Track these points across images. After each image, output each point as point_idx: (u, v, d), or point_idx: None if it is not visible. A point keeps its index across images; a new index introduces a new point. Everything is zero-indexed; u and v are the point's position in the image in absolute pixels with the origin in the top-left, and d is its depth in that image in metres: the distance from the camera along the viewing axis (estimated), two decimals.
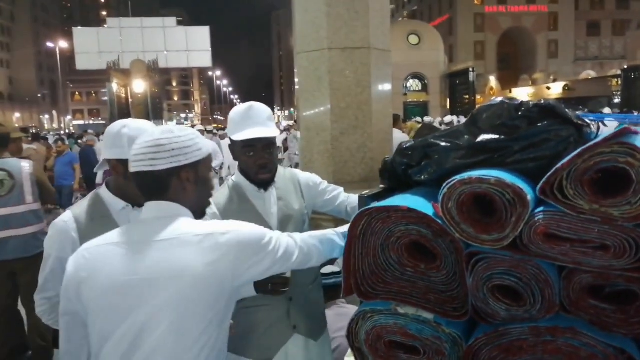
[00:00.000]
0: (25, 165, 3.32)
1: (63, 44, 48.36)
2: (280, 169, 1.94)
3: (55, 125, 65.25)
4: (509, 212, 1.14)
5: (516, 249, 1.15)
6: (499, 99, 1.30)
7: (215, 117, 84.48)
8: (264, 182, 1.82)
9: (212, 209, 1.75)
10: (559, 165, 1.10)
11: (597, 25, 46.84)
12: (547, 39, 45.53)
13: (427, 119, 12.91)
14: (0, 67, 64.02)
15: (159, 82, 25.23)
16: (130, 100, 22.29)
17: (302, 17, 3.76)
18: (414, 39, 19.91)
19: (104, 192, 1.71)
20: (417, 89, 20.93)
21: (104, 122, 56.35)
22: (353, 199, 1.95)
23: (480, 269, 1.17)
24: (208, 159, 1.33)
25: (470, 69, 18.24)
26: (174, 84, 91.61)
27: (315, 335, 1.93)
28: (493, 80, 36.60)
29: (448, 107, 19.71)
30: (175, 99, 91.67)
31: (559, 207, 1.11)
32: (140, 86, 22.47)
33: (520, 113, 1.24)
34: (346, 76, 3.65)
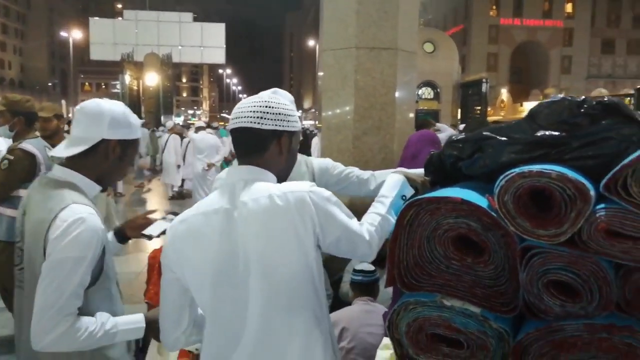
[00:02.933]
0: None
1: (77, 34, 48.55)
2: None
3: (63, 115, 65.45)
4: (568, 208, 1.13)
5: (573, 245, 1.13)
6: (560, 95, 1.28)
7: (222, 114, 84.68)
8: None
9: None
10: (626, 161, 1.09)
11: (612, 44, 46.62)
12: (561, 54, 45.37)
13: (440, 125, 12.87)
14: (13, 54, 64.44)
15: (170, 76, 25.24)
16: (141, 93, 22.36)
17: (331, 14, 3.75)
18: (429, 47, 19.80)
19: (72, 176, 1.50)
20: (428, 97, 20.82)
21: None
22: (360, 172, 2.03)
23: (535, 263, 1.16)
24: (299, 133, 1.39)
25: (484, 80, 18.15)
26: (184, 79, 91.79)
27: None
28: (504, 93, 36.49)
29: (459, 117, 19.62)
30: (185, 94, 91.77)
31: (622, 204, 1.10)
32: (152, 79, 22.51)
33: (582, 110, 1.22)
34: (372, 76, 3.64)
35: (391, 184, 1.52)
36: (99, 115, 1.49)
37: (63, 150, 1.50)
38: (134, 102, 20.84)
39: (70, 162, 1.52)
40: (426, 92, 20.92)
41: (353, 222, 1.34)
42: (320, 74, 4.02)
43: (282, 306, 1.24)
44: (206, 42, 27.20)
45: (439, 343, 1.27)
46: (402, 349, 1.32)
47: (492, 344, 1.21)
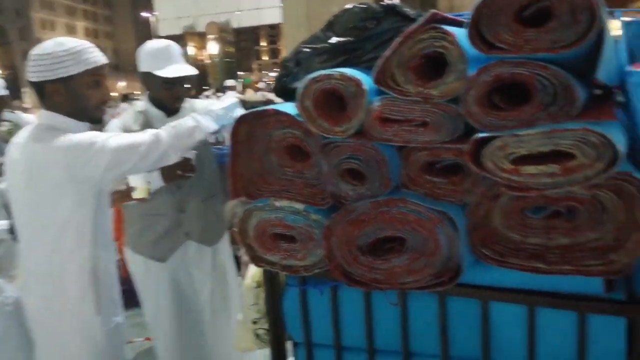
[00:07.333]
0: None
1: (156, 13, 50.66)
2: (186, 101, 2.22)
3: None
4: (353, 103, 1.27)
5: (360, 135, 1.27)
6: (352, 5, 1.39)
7: None
8: (177, 110, 2.12)
9: (118, 129, 2.03)
10: (385, 53, 1.20)
11: None
12: None
13: None
14: (105, 39, 68.80)
15: (231, 42, 25.88)
16: (208, 61, 23.30)
17: None
18: None
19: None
20: None
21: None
22: None
23: (331, 156, 1.31)
24: (81, 74, 1.58)
25: None
26: (263, 43, 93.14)
27: (209, 242, 2.22)
28: None
29: None
30: (265, 58, 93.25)
31: (391, 94, 1.22)
32: (215, 47, 23.29)
33: (367, 15, 1.33)
34: (323, 20, 3.74)
35: (223, 103, 1.75)
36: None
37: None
38: (200, 71, 21.81)
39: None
40: None
41: (126, 138, 1.60)
42: None
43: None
44: (262, 3, 27.32)
45: (279, 241, 1.44)
46: (253, 252, 1.49)
47: (317, 234, 1.37)
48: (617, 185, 1.05)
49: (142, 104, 2.18)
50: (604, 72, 1.06)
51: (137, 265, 2.18)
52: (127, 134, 1.68)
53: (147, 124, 2.04)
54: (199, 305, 2.25)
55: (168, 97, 2.08)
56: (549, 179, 1.03)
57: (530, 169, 1.04)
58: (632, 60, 1.35)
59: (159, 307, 2.19)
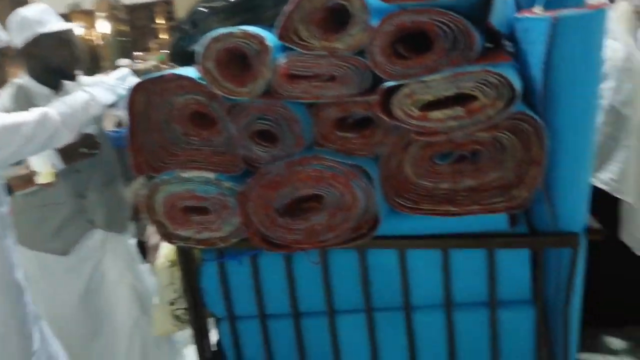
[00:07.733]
0: None
1: None
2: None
3: None
4: (257, 62, 1.22)
5: (268, 95, 1.23)
6: None
7: None
8: (73, 77, 1.90)
9: None
10: (285, 9, 1.17)
11: None
12: None
13: None
14: None
15: (124, 20, 24.20)
16: (100, 42, 21.63)
17: None
18: None
19: None
20: None
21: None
22: None
23: (239, 118, 1.27)
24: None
25: None
26: (161, 20, 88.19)
27: (117, 228, 2.05)
28: None
29: None
30: (164, 36, 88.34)
31: (296, 49, 1.19)
32: (106, 26, 21.68)
33: None
34: None
35: (116, 74, 1.63)
36: None
37: None
38: (93, 53, 20.21)
39: None
40: None
41: (7, 119, 1.42)
42: None
43: None
44: None
45: (191, 214, 1.37)
46: (164, 229, 1.40)
47: (231, 202, 1.31)
48: (514, 125, 1.11)
49: (20, 81, 1.92)
50: (496, 20, 1.11)
51: (31, 263, 1.96)
52: (8, 115, 1.49)
53: (28, 103, 1.78)
54: (109, 298, 2.09)
55: (65, 57, 1.84)
56: (455, 122, 1.07)
57: (437, 114, 1.08)
58: (519, 10, 1.42)
59: (58, 307, 1.99)
